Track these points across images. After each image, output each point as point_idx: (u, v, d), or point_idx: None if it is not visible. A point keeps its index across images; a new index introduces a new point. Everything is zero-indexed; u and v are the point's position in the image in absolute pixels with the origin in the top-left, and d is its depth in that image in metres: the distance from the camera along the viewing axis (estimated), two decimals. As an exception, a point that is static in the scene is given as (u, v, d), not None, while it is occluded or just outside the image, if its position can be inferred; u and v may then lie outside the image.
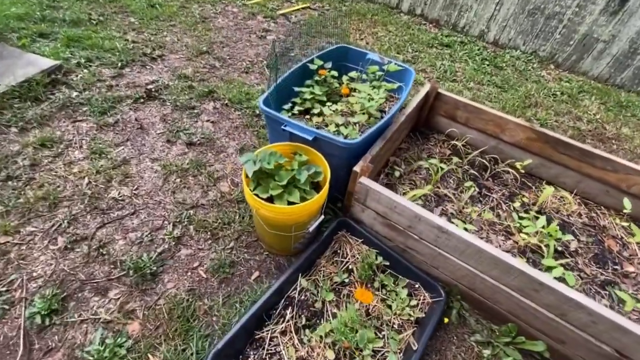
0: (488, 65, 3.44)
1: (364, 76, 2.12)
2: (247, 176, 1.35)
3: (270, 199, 1.34)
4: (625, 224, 1.78)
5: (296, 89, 1.90)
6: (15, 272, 1.39)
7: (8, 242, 1.47)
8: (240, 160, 1.34)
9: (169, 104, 2.32)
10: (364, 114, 1.76)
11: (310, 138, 1.48)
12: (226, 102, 2.44)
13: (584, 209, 1.86)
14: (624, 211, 1.76)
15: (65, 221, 1.57)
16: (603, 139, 2.66)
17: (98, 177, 1.78)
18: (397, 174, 1.86)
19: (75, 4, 3.21)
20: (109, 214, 1.65)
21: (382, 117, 1.87)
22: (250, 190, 1.32)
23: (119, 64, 2.52)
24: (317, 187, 1.49)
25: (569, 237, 1.63)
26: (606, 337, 1.14)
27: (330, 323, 1.30)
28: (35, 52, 2.41)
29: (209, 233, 1.67)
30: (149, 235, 1.60)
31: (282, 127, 1.52)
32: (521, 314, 1.34)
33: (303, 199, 1.34)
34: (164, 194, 1.80)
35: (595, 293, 1.50)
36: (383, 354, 1.28)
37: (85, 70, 2.40)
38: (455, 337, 1.47)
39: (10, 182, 1.67)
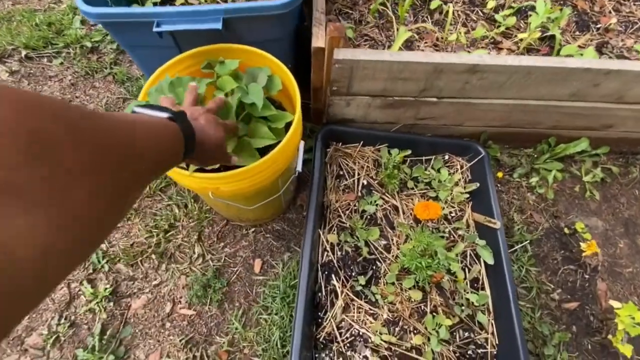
0: None
1: None
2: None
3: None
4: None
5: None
6: None
7: None
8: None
9: None
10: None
11: (219, 26, 0.79)
12: (25, 53, 1.39)
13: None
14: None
15: None
16: None
17: None
18: (350, 34, 1.29)
19: None
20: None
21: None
22: (185, 171, 0.69)
23: None
24: (272, 101, 0.89)
25: (567, 11, 1.36)
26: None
27: (397, 262, 0.95)
28: None
29: (152, 257, 1.04)
30: (63, 321, 0.93)
31: (155, 28, 0.79)
32: (564, 122, 1.13)
33: (275, 132, 0.77)
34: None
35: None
36: (464, 254, 1.01)
37: None
38: (498, 184, 1.26)
39: None
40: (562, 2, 1.55)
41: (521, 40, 1.23)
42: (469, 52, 1.33)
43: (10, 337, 0.91)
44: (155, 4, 0.97)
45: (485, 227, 1.02)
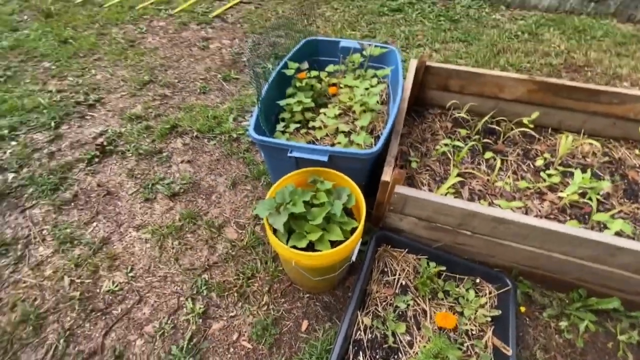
0: (444, 21, 3.34)
1: (343, 67, 1.91)
2: (272, 228, 1.13)
3: (307, 246, 1.13)
4: (638, 151, 1.79)
5: (281, 102, 1.65)
6: None
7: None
8: (257, 213, 1.11)
9: (130, 154, 1.97)
10: (365, 111, 1.57)
11: (325, 159, 1.27)
12: (195, 134, 2.12)
13: (595, 147, 1.84)
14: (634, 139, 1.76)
15: (61, 340, 1.26)
16: (576, 68, 2.69)
17: (80, 271, 1.46)
18: (413, 164, 1.71)
19: (-32, 63, 2.63)
20: (111, 312, 1.36)
21: (382, 110, 1.70)
22: (283, 243, 1.10)
23: (52, 124, 2.09)
24: (347, 209, 1.30)
25: (605, 183, 1.58)
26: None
27: (416, 358, 1.16)
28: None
29: (235, 294, 1.43)
30: (169, 322, 1.34)
31: (289, 154, 1.30)
32: (592, 278, 1.28)
33: (344, 233, 1.15)
34: (166, 265, 1.52)
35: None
36: (476, 369, 1.17)
37: (14, 143, 1.96)
38: (527, 318, 1.39)
39: (-33, 317, 1.31)
40: (614, 169, 1.78)
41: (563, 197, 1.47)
42: (514, 197, 1.61)
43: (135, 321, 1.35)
44: (298, 122, 1.55)
45: (500, 352, 1.18)
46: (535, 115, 1.82)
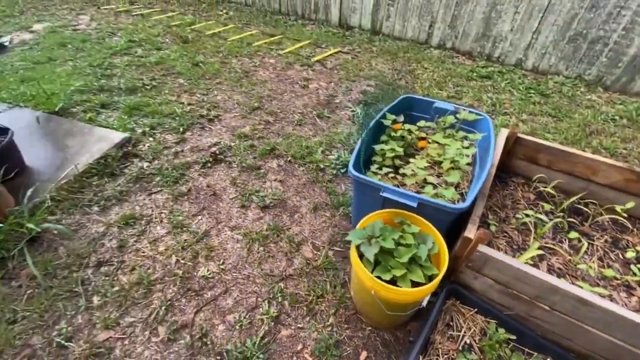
0: (534, 93, 3.39)
1: (434, 124, 2.08)
2: (359, 255, 1.28)
3: (390, 280, 1.25)
4: None
5: (376, 147, 1.86)
6: (122, 372, 1.33)
7: (111, 337, 1.41)
8: (351, 239, 1.28)
9: (235, 165, 2.32)
10: (454, 169, 1.70)
11: (414, 205, 1.41)
12: (289, 158, 2.43)
13: (701, 252, 1.70)
14: None
15: (162, 308, 1.51)
16: (683, 164, 2.52)
17: (184, 254, 1.74)
18: (492, 227, 1.76)
19: (127, 71, 3.37)
20: (203, 295, 1.59)
21: (468, 170, 1.81)
22: (370, 272, 1.24)
23: (180, 129, 2.57)
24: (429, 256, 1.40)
25: None
26: None
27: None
28: (102, 124, 2.48)
29: (304, 308, 1.58)
30: (247, 317, 1.52)
31: (380, 193, 1.47)
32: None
33: (425, 277, 1.26)
34: (251, 266, 1.74)
35: None
36: None
37: (151, 139, 2.44)
38: (600, 419, 1.30)
39: (102, 268, 1.64)
40: None
41: (650, 297, 1.40)
42: (597, 283, 1.57)
43: (217, 309, 1.55)
44: (389, 167, 1.73)
45: None
46: (630, 205, 1.77)
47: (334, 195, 2.16)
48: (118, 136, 2.24)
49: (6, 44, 3.97)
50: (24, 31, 4.48)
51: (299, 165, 2.39)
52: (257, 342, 1.43)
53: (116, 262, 1.67)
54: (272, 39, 4.61)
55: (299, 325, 1.52)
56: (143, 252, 1.73)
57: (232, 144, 2.50)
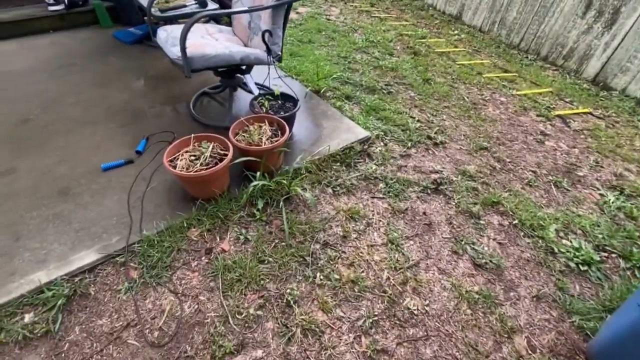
0: None
1: None
2: None
3: None
4: None
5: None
6: (325, 360, 1.40)
7: (324, 321, 1.52)
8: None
9: (453, 203, 2.19)
10: None
11: None
12: (514, 221, 2.13)
13: None
14: None
15: (369, 320, 1.54)
16: None
17: (395, 275, 1.74)
18: None
19: (366, 69, 3.65)
20: (405, 328, 1.54)
21: None
22: None
23: (409, 144, 2.59)
24: None
25: None
26: None
27: None
28: (346, 115, 2.74)
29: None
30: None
31: None
32: None
33: None
34: (455, 325, 1.58)
35: None
36: None
37: (382, 144, 2.55)
38: None
39: (327, 250, 1.79)
40: None
41: None
42: None
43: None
44: None
45: None
46: None
47: (565, 294, 1.77)
48: (362, 132, 2.42)
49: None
50: (292, 11, 5.45)
51: (525, 235, 2.07)
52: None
53: (339, 250, 1.79)
54: (505, 74, 4.19)
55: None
56: (361, 253, 1.81)
57: (455, 178, 2.37)
